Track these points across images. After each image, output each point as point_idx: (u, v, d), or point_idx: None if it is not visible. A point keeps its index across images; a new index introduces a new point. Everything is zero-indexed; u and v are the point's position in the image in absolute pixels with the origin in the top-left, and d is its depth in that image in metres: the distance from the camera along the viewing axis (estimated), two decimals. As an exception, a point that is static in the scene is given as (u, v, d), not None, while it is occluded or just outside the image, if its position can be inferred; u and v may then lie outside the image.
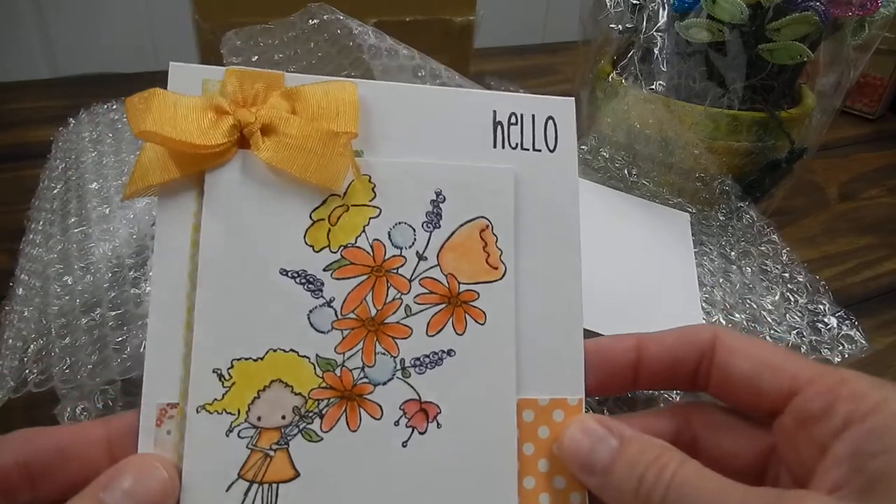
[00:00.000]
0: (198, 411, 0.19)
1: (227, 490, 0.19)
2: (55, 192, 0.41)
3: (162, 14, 0.75)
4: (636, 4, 0.47)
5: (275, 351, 0.20)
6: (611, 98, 0.47)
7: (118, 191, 0.39)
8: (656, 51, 0.45)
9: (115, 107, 0.51)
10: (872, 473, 0.17)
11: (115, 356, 0.29)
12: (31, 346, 0.30)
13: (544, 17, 0.97)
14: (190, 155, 0.20)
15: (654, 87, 0.45)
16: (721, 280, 0.40)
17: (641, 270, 0.38)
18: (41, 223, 0.39)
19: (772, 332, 0.37)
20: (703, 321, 0.36)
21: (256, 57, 0.42)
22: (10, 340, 0.30)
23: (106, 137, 0.46)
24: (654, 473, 0.18)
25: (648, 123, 0.45)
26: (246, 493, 0.19)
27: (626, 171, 0.47)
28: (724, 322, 0.36)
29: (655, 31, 0.45)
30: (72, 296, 0.32)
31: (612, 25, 0.48)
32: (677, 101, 0.44)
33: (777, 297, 0.39)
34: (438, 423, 0.21)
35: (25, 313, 0.32)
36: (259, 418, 0.20)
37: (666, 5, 0.45)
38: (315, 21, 0.41)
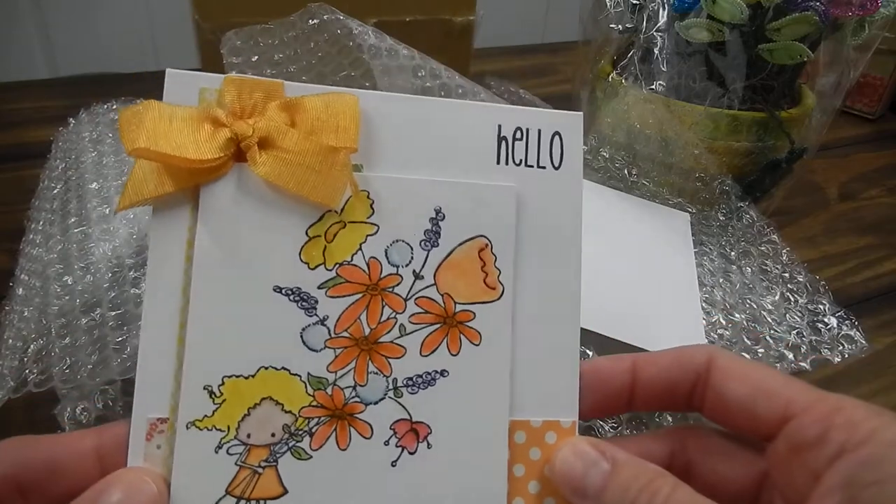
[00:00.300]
0: (187, 427, 0.19)
1: None
2: (55, 192, 0.41)
3: (162, 14, 0.75)
4: (636, 4, 0.47)
5: (266, 369, 0.20)
6: (611, 98, 0.47)
7: (118, 191, 0.39)
8: (656, 51, 0.45)
9: (115, 107, 0.50)
10: (866, 503, 0.17)
11: (115, 356, 0.29)
12: (31, 346, 0.30)
13: (544, 17, 0.97)
14: (185, 169, 0.20)
15: (654, 87, 0.45)
16: (721, 280, 0.40)
17: (641, 270, 0.38)
18: (41, 223, 0.39)
19: (772, 332, 0.37)
20: (703, 321, 0.36)
21: (256, 57, 0.42)
22: (10, 340, 0.30)
23: (106, 137, 0.46)
24: (646, 499, 0.18)
25: (648, 123, 0.45)
26: None
27: (626, 171, 0.47)
28: (723, 322, 0.36)
29: (655, 31, 0.45)
30: (72, 296, 0.32)
31: (612, 25, 0.48)
32: (677, 101, 0.44)
33: (777, 297, 0.39)
34: (429, 444, 0.21)
35: (25, 313, 0.32)
36: (249, 435, 0.20)
37: (666, 5, 0.45)
38: (315, 21, 0.41)
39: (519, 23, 0.93)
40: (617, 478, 0.19)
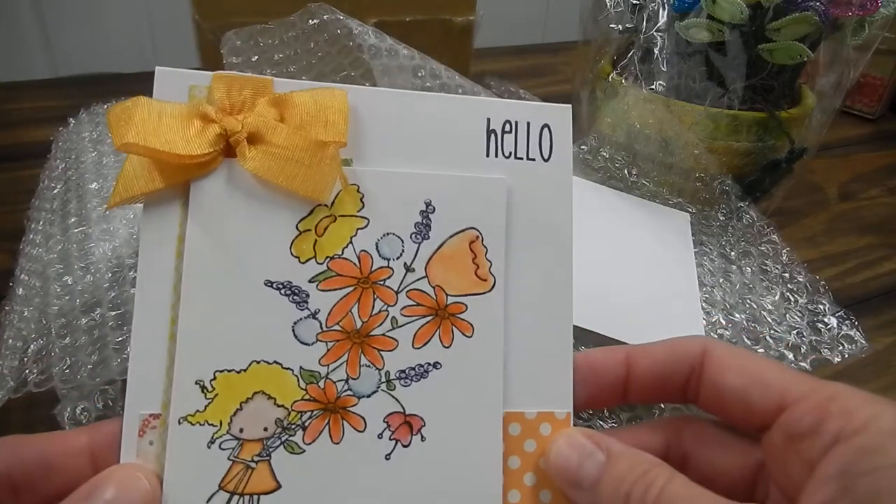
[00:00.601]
0: (180, 422, 0.19)
1: (207, 501, 0.19)
2: (55, 192, 0.41)
3: (162, 14, 0.75)
4: (636, 4, 0.47)
5: (258, 363, 0.20)
6: (611, 98, 0.47)
7: (118, 191, 0.39)
8: (656, 51, 0.45)
9: (115, 107, 0.50)
10: (861, 493, 0.16)
11: (115, 356, 0.29)
12: (31, 346, 0.30)
13: (544, 17, 0.97)
14: (175, 165, 0.20)
15: (654, 87, 0.45)
16: (721, 280, 0.40)
17: (641, 270, 0.38)
18: (41, 223, 0.39)
19: (772, 332, 0.37)
20: (703, 321, 0.36)
21: (256, 57, 0.42)
22: (10, 340, 0.30)
23: (106, 137, 0.46)
24: (642, 489, 0.18)
25: (648, 123, 0.45)
26: None
27: (626, 171, 0.47)
28: (723, 322, 0.36)
29: (655, 31, 0.45)
30: (72, 296, 0.32)
31: (612, 25, 0.48)
32: (677, 101, 0.44)
33: (777, 297, 0.39)
34: (423, 436, 0.21)
35: (25, 313, 0.32)
36: (241, 430, 0.20)
37: (666, 5, 0.45)
38: (315, 21, 0.41)
39: (519, 23, 0.93)
40: (612, 469, 0.19)
